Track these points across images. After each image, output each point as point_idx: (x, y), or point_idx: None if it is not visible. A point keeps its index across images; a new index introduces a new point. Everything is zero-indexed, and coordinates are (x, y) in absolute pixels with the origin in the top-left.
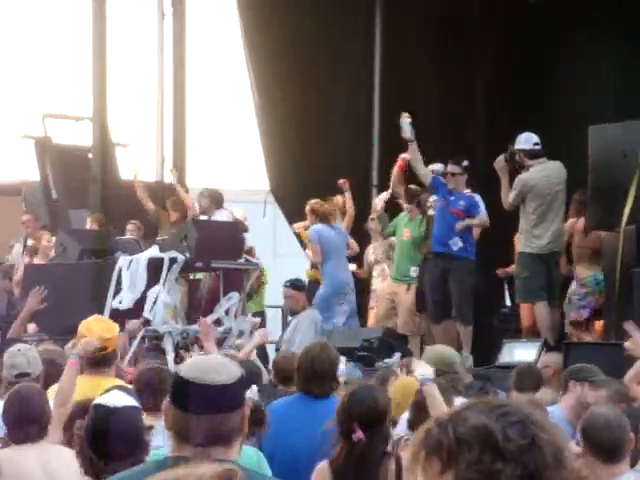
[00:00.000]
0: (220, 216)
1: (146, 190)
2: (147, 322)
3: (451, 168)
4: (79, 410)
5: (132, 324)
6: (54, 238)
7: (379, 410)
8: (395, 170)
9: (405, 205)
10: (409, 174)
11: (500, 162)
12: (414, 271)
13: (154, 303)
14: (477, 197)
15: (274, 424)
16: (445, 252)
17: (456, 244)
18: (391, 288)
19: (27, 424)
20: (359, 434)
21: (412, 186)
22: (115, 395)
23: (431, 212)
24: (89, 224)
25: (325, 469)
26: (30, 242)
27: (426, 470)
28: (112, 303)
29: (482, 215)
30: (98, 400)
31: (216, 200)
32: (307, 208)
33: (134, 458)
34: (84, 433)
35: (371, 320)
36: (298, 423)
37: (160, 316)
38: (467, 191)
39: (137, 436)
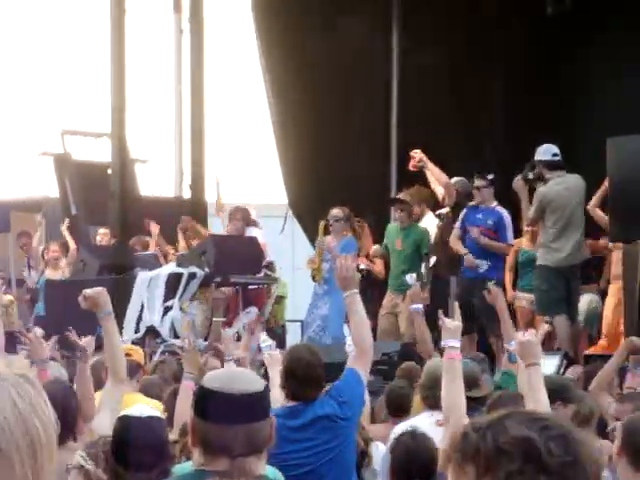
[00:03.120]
0: (250, 234)
1: (160, 236)
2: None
3: (477, 182)
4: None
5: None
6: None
7: (435, 460)
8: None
9: (398, 214)
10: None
11: (518, 182)
12: (410, 277)
13: (164, 315)
14: (506, 218)
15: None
16: (472, 277)
17: (482, 266)
18: (391, 300)
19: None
20: None
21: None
22: (139, 407)
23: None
24: (100, 238)
25: None
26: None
27: (459, 474)
28: (132, 319)
29: (504, 245)
30: (123, 412)
31: (247, 218)
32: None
33: (159, 468)
34: (111, 444)
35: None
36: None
37: (167, 329)
38: (495, 204)
39: (162, 446)
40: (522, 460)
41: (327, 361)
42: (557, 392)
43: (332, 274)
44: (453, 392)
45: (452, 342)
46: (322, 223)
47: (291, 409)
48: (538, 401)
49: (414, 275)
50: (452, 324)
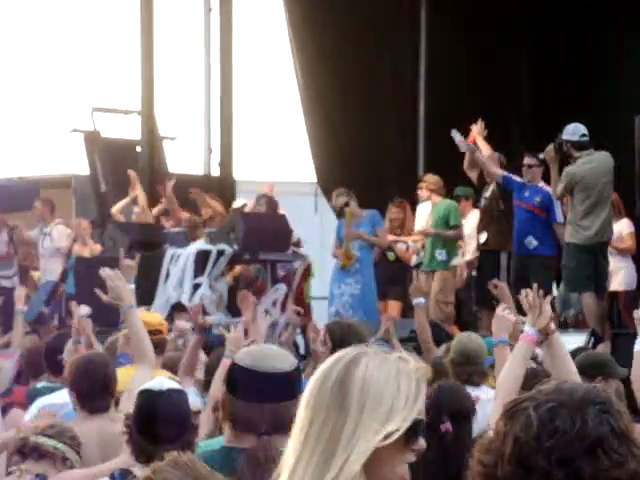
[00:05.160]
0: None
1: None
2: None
3: (527, 160)
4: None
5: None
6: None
7: (467, 403)
8: (467, 155)
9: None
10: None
11: (550, 152)
12: (439, 254)
13: (193, 293)
14: (554, 197)
15: None
16: (522, 254)
17: (531, 243)
18: (423, 279)
19: (102, 395)
20: (447, 425)
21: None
22: (160, 380)
23: (482, 203)
24: (135, 217)
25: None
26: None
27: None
28: (162, 296)
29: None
30: (143, 387)
31: (273, 206)
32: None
33: (183, 440)
34: (132, 419)
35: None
36: None
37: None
38: (542, 184)
39: (184, 418)
40: None
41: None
42: (598, 368)
43: (363, 252)
44: (514, 377)
45: (529, 328)
46: (347, 210)
47: None
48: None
49: (444, 251)
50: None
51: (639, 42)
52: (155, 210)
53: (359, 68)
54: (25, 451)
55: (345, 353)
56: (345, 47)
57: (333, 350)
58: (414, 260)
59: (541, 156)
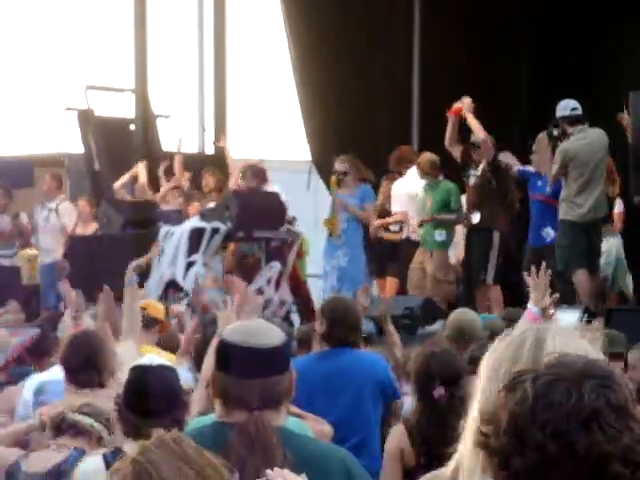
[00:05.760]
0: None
1: (183, 165)
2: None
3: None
4: None
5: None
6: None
7: (459, 369)
8: (449, 127)
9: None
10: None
11: (542, 139)
12: (439, 235)
13: (187, 271)
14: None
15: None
16: (539, 245)
17: (548, 234)
18: (420, 257)
19: (87, 369)
20: (440, 390)
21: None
22: (150, 357)
23: (472, 181)
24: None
25: (401, 431)
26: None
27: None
28: (155, 273)
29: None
30: (135, 363)
31: (261, 176)
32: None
33: (173, 416)
34: (122, 395)
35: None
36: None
37: (190, 284)
38: None
39: (174, 393)
40: None
41: None
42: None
43: (351, 224)
44: None
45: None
46: (333, 178)
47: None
48: None
49: (444, 232)
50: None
51: (639, 42)
52: (163, 189)
53: (354, 46)
54: (63, 426)
55: (527, 329)
56: (341, 25)
57: (329, 330)
58: (415, 236)
59: (534, 147)
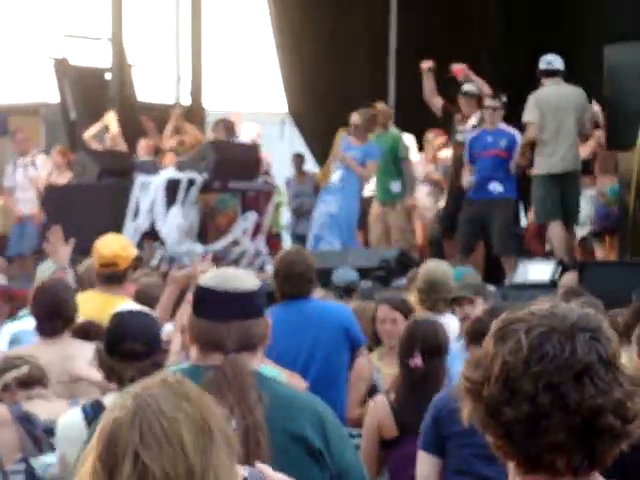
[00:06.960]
0: (244, 135)
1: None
2: (162, 243)
3: (490, 103)
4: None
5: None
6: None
7: (440, 340)
8: (428, 79)
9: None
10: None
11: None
12: (394, 185)
13: (168, 224)
14: (518, 137)
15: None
16: (485, 198)
17: (495, 188)
18: (379, 209)
19: (53, 317)
20: (417, 360)
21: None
22: (129, 304)
23: (460, 138)
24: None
25: (383, 400)
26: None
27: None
28: (131, 224)
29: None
30: (115, 310)
31: (231, 129)
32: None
33: (153, 359)
34: (104, 340)
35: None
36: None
37: (173, 237)
38: (504, 126)
39: (154, 336)
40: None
41: (320, 266)
42: None
43: (349, 172)
44: None
45: None
46: (339, 132)
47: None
48: None
49: (399, 183)
50: None
51: None
52: (172, 140)
53: (331, 21)
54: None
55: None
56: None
57: (282, 286)
58: (365, 191)
59: (503, 99)
